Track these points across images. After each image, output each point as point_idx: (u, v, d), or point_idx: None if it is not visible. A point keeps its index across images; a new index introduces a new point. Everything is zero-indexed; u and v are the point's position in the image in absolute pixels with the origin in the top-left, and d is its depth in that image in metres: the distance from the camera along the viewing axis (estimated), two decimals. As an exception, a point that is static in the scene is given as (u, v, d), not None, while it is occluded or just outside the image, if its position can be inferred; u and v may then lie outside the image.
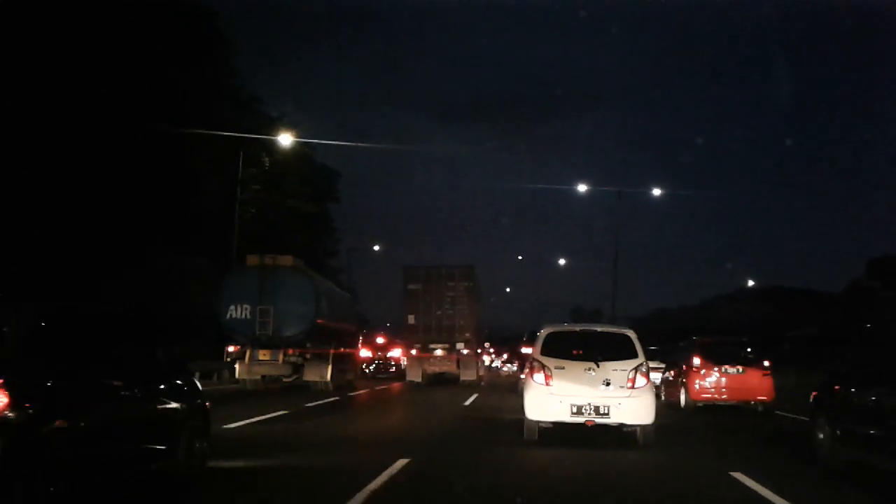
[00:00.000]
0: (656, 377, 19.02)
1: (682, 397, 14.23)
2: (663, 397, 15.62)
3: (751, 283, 53.19)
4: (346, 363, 21.25)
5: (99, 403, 4.77)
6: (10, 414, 3.99)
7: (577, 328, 9.85)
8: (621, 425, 8.52)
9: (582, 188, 30.99)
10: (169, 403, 5.56)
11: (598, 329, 9.63)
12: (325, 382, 18.58)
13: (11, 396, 4.02)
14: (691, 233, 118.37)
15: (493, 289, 67.16)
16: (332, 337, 19.61)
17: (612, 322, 30.74)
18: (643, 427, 8.48)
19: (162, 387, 5.58)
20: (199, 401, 6.01)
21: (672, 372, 15.71)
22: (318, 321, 18.30)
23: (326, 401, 15.25)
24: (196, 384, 6.19)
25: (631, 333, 8.92)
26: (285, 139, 25.99)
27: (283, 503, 5.48)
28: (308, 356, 18.56)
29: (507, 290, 67.58)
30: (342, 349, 20.51)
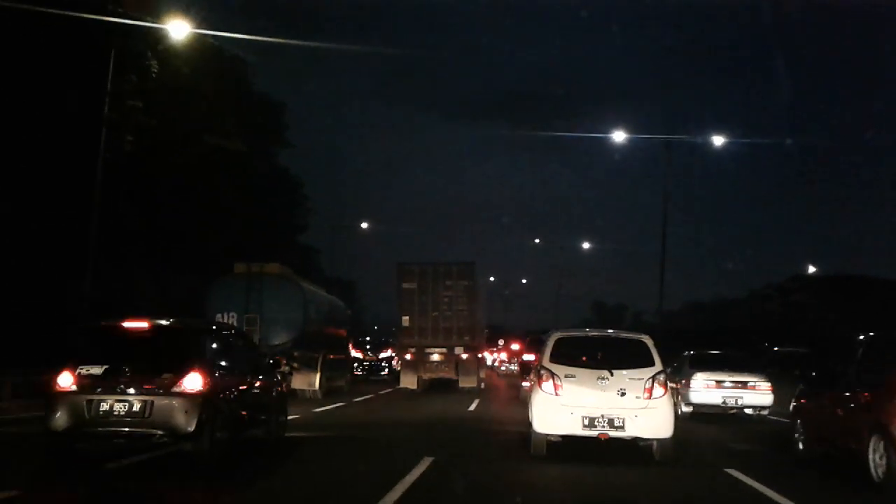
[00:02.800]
0: (763, 400, 16.68)
1: None
2: (802, 444, 11.01)
3: (811, 269, 54.23)
4: (336, 370, 25.77)
5: (239, 386, 9.88)
6: (205, 390, 8.93)
7: (588, 333, 11.11)
8: (637, 439, 9.75)
9: (620, 137, 32.48)
10: (267, 388, 10.69)
11: (611, 334, 11.03)
12: (314, 391, 22.94)
13: (204, 378, 8.95)
14: (728, 214, 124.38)
15: (508, 281, 74.25)
16: (322, 344, 24.02)
17: (643, 321, 34.17)
18: (661, 441, 9.73)
19: (264, 377, 10.70)
20: (280, 388, 11.11)
21: (849, 396, 9.50)
22: (306, 329, 22.71)
23: (327, 408, 20.14)
24: (277, 376, 11.28)
25: (647, 339, 10.25)
26: (177, 29, 20.49)
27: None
28: (296, 364, 22.73)
29: (524, 281, 74.02)
30: (332, 356, 24.97)
